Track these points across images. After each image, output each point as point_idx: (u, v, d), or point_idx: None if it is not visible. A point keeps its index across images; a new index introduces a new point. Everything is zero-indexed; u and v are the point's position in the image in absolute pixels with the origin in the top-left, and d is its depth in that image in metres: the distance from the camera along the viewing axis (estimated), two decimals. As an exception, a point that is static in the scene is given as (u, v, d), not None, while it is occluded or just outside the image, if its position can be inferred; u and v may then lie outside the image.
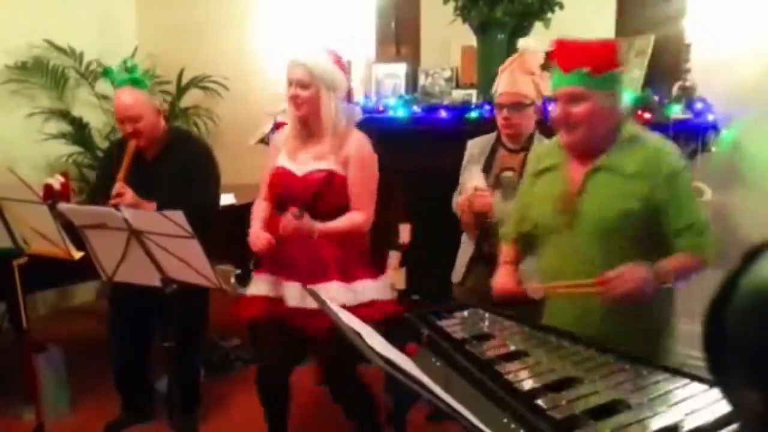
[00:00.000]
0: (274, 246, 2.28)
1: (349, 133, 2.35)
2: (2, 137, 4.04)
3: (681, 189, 1.76)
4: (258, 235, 2.32)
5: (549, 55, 1.84)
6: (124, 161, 2.63)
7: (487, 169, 2.51)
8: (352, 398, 2.48)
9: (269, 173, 2.42)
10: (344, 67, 2.39)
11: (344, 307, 2.10)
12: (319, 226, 2.25)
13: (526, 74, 2.45)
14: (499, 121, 2.48)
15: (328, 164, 2.30)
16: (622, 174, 1.76)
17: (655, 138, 1.84)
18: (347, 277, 2.30)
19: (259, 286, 2.36)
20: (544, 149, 2.06)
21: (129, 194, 2.56)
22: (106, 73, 2.89)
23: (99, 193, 2.77)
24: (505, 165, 2.50)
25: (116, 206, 2.51)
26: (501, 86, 2.47)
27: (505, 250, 2.08)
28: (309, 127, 2.33)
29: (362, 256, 2.44)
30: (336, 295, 2.16)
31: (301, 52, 2.30)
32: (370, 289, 2.32)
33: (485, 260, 2.50)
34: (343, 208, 2.33)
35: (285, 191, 2.35)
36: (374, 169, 2.39)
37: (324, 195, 2.28)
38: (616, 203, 1.76)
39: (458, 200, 2.55)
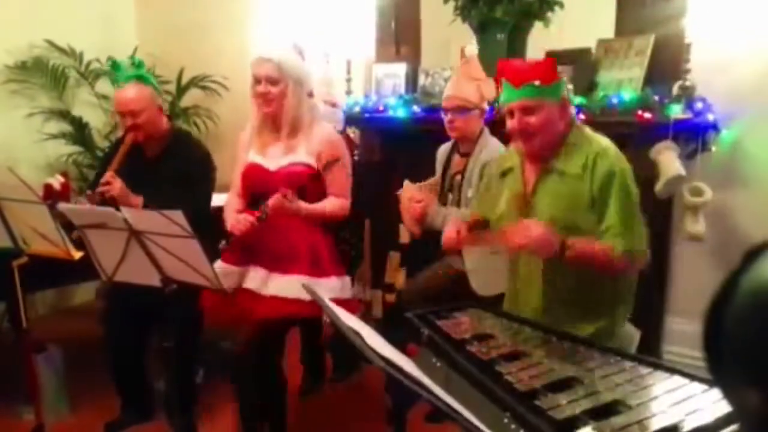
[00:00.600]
0: (255, 227, 2.26)
1: (317, 126, 2.38)
2: (2, 137, 4.03)
3: (612, 190, 1.84)
4: (238, 219, 2.30)
5: (497, 74, 2.00)
6: (119, 152, 2.67)
7: (444, 173, 2.67)
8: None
9: (241, 168, 2.44)
10: (304, 59, 2.41)
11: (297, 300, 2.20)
12: (304, 205, 2.26)
13: (470, 80, 2.59)
14: (446, 125, 2.60)
15: (299, 157, 2.32)
16: (568, 175, 1.89)
17: (599, 140, 1.95)
18: (318, 271, 2.31)
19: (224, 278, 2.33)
20: (505, 152, 2.19)
21: (117, 184, 2.59)
22: (114, 66, 2.89)
23: (95, 186, 2.78)
24: (456, 169, 2.64)
25: (102, 195, 2.57)
26: (446, 91, 2.62)
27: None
28: (276, 122, 2.35)
29: (332, 249, 2.45)
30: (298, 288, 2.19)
31: (267, 49, 2.32)
32: (335, 287, 2.34)
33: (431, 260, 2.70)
34: (317, 201, 2.36)
35: (259, 187, 2.36)
36: (346, 156, 2.43)
37: (298, 189, 2.29)
38: (563, 203, 1.89)
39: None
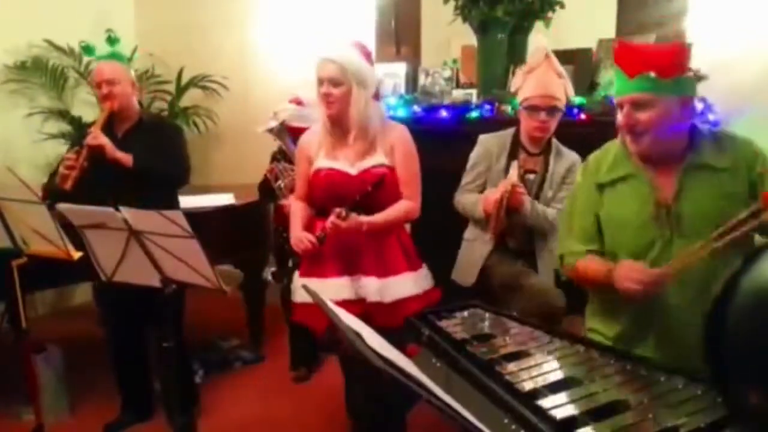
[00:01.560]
0: (316, 248, 2.25)
1: (387, 125, 2.34)
2: (1, 137, 4.04)
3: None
4: (301, 238, 2.28)
5: (614, 58, 1.76)
6: (98, 119, 2.71)
7: (506, 168, 2.52)
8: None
9: (307, 176, 2.37)
10: (372, 62, 2.36)
11: (415, 296, 2.27)
12: (365, 219, 2.22)
13: (557, 76, 2.43)
14: (533, 124, 2.45)
15: (381, 159, 2.28)
16: (716, 169, 1.71)
17: (735, 134, 1.79)
18: (411, 264, 2.34)
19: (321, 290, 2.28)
20: (603, 158, 1.89)
21: (105, 138, 2.63)
22: (87, 50, 2.94)
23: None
24: (527, 167, 2.52)
25: (90, 146, 2.60)
26: (533, 88, 2.42)
27: (588, 261, 1.86)
28: (341, 124, 2.29)
29: (410, 239, 2.45)
30: (409, 287, 2.28)
31: (331, 49, 2.26)
32: (427, 275, 2.38)
33: (512, 254, 2.59)
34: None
35: (338, 192, 2.28)
36: (416, 156, 2.38)
37: (381, 190, 2.25)
38: (717, 201, 1.69)
39: (470, 197, 2.61)
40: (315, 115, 3.22)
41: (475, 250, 2.63)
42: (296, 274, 2.40)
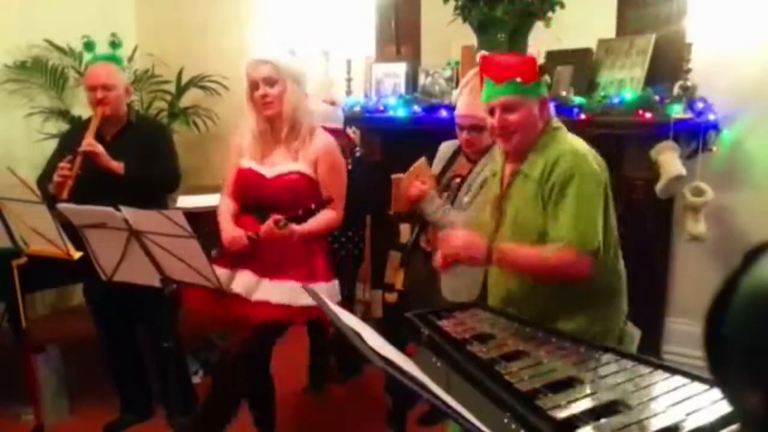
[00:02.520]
0: (248, 247, 2.27)
1: (315, 132, 2.36)
2: (1, 137, 4.04)
3: (567, 198, 1.78)
4: (234, 238, 2.29)
5: (480, 69, 1.96)
6: (91, 125, 2.69)
7: (444, 172, 2.63)
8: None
9: (234, 172, 2.41)
10: (299, 58, 2.43)
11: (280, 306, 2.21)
12: (297, 228, 2.24)
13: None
14: (461, 139, 2.55)
15: (298, 166, 2.31)
16: (531, 178, 1.87)
17: (569, 142, 1.89)
18: (311, 278, 2.29)
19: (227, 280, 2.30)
20: (496, 155, 2.14)
21: (99, 146, 2.62)
22: (89, 46, 2.93)
23: (53, 168, 2.72)
24: (458, 172, 2.60)
25: (84, 153, 2.57)
26: (461, 107, 2.51)
27: None
28: (275, 126, 2.33)
29: (328, 255, 2.47)
30: (289, 294, 2.23)
31: (260, 51, 2.34)
32: (323, 291, 2.27)
33: (422, 253, 2.65)
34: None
35: (253, 193, 2.35)
36: (343, 168, 2.43)
37: (296, 197, 2.27)
38: (529, 206, 1.86)
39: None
40: (338, 113, 3.24)
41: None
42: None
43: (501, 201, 1.97)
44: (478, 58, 2.55)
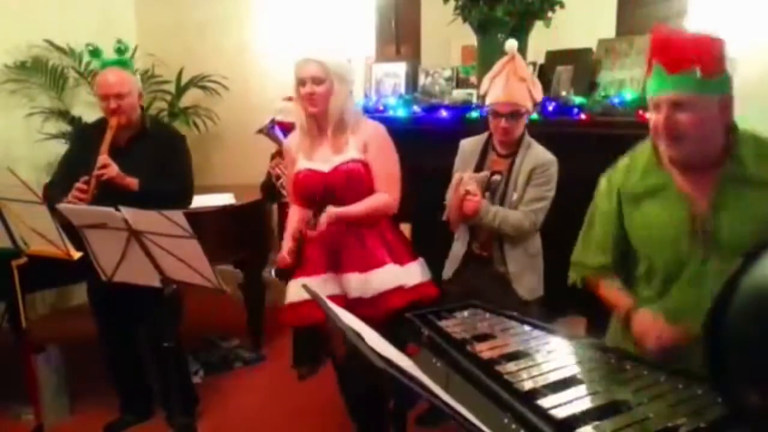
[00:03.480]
0: (290, 260, 2.34)
1: (362, 122, 2.40)
2: (1, 137, 4.04)
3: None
4: (283, 255, 2.37)
5: (651, 51, 1.58)
6: (105, 137, 2.66)
7: (477, 171, 2.54)
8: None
9: (293, 179, 2.44)
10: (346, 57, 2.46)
11: (399, 289, 2.27)
12: (336, 210, 2.27)
13: (520, 81, 2.45)
14: (496, 128, 2.49)
15: (351, 154, 2.32)
16: (758, 182, 1.54)
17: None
18: (400, 259, 2.35)
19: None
20: (632, 166, 1.76)
21: (114, 167, 2.61)
22: (94, 53, 2.90)
23: (63, 174, 2.76)
24: (495, 169, 2.54)
25: (99, 177, 2.58)
26: (496, 94, 2.46)
27: (609, 289, 1.81)
28: (320, 122, 2.35)
29: (399, 234, 2.49)
30: (391, 279, 2.28)
31: (310, 49, 2.32)
32: (418, 271, 2.39)
33: (475, 259, 2.58)
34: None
35: (317, 191, 2.35)
36: (393, 151, 2.42)
37: (354, 185, 2.31)
38: (758, 220, 1.51)
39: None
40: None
41: (456, 250, 2.66)
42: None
43: (703, 220, 1.58)
44: (507, 52, 2.48)
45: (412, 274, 2.37)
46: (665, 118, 1.54)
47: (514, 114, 2.42)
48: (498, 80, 2.47)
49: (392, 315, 2.21)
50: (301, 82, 2.30)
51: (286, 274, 2.41)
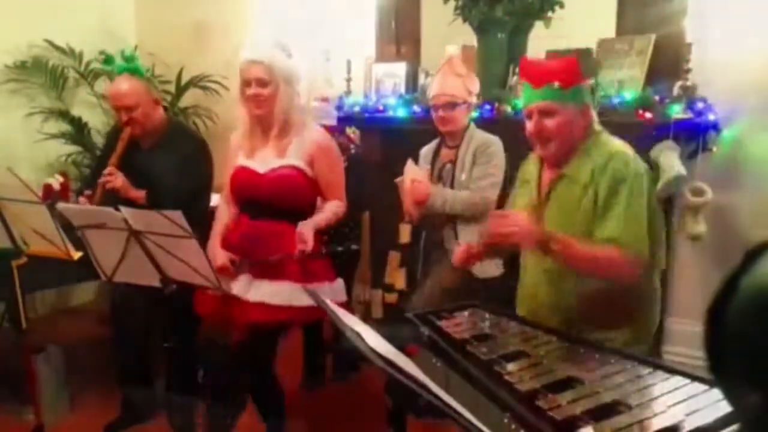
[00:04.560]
0: (228, 266, 2.27)
1: (307, 127, 2.37)
2: (1, 137, 4.03)
3: (618, 199, 1.75)
4: (215, 254, 2.29)
5: (519, 73, 1.94)
6: (117, 147, 2.68)
7: (433, 165, 2.78)
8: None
9: (230, 176, 2.41)
10: (291, 57, 2.38)
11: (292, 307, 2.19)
12: (309, 225, 2.22)
13: (455, 76, 2.69)
14: (435, 119, 2.72)
15: (290, 160, 2.30)
16: (578, 182, 1.83)
17: (614, 144, 1.88)
18: (309, 277, 2.27)
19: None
20: (529, 160, 2.10)
21: (120, 178, 2.61)
22: (107, 61, 2.90)
23: (92, 181, 2.78)
24: (445, 160, 2.76)
25: (104, 186, 2.59)
26: (433, 89, 2.73)
27: None
28: (266, 124, 2.33)
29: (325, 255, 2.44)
30: (288, 295, 2.21)
31: (256, 50, 2.30)
32: (326, 292, 2.27)
33: (436, 247, 2.77)
34: (307, 206, 2.37)
35: (248, 191, 2.34)
36: (340, 159, 2.45)
37: (284, 191, 2.28)
38: (573, 211, 1.82)
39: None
40: (329, 110, 3.25)
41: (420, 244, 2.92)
42: None
43: (540, 208, 1.92)
44: (447, 55, 2.77)
45: (300, 295, 2.22)
46: (535, 124, 1.85)
47: (450, 105, 2.65)
48: (435, 78, 2.76)
49: (256, 329, 2.23)
50: (246, 83, 2.29)
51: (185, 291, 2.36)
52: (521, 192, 2.08)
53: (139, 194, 2.65)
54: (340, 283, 2.42)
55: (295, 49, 2.39)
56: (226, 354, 2.39)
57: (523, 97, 1.91)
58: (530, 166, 2.05)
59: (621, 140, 1.93)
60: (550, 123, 1.83)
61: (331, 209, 2.35)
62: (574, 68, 1.84)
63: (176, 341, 2.40)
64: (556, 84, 1.80)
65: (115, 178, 2.61)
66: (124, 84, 2.71)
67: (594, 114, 1.93)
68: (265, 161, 2.32)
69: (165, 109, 2.93)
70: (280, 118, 2.30)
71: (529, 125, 1.87)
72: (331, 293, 2.30)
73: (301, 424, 2.93)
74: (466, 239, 2.52)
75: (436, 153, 2.81)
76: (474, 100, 2.78)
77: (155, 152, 2.75)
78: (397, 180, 2.74)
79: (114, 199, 2.60)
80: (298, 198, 2.32)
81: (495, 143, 2.66)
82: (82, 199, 2.68)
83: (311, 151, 2.31)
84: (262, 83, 2.26)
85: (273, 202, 2.29)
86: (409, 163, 2.73)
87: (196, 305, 2.41)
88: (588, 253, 1.75)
